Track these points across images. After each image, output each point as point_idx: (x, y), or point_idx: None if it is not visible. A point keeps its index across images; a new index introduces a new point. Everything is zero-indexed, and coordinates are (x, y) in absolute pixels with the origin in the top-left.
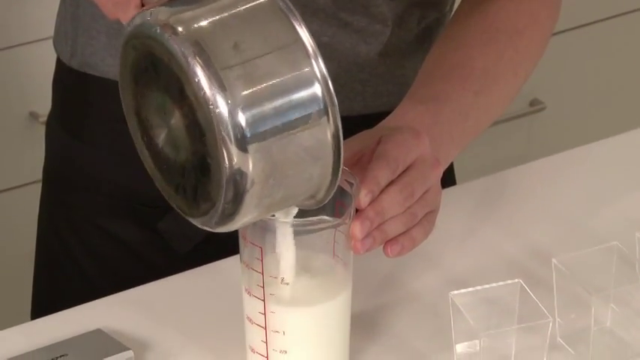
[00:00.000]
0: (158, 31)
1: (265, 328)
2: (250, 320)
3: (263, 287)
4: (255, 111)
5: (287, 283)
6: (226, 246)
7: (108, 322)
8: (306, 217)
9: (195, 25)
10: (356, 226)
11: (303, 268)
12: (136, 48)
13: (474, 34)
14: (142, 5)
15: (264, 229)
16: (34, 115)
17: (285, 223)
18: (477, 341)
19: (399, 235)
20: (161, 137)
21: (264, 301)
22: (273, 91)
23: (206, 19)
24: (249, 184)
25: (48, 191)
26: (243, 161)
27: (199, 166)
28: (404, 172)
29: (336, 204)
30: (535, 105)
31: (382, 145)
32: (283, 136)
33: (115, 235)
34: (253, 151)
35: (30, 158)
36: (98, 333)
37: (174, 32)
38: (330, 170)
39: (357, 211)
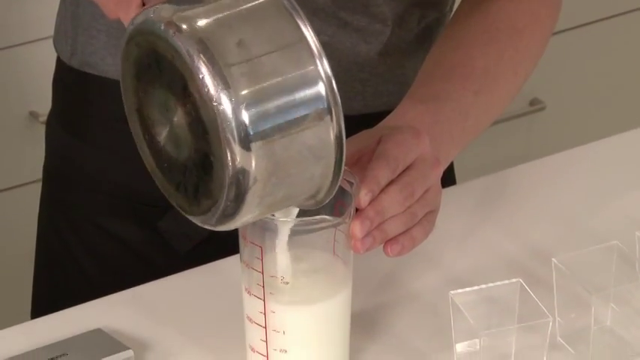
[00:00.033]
0: (162, 27)
1: (265, 328)
2: (250, 319)
3: (263, 286)
4: (259, 109)
5: (287, 283)
6: (226, 245)
7: (108, 321)
8: (306, 216)
9: (200, 23)
10: (356, 226)
11: (303, 267)
12: (139, 45)
13: (475, 34)
14: (143, 5)
15: (264, 228)
16: (34, 115)
17: (285, 222)
18: (477, 340)
19: (399, 234)
20: (163, 135)
21: (264, 300)
22: (277, 90)
23: (210, 16)
24: (252, 182)
25: (48, 190)
26: (246, 159)
27: (201, 164)
28: (404, 171)
29: (336, 203)
30: (535, 104)
31: (382, 145)
32: (286, 134)
33: (115, 234)
34: (256, 149)
35: (30, 157)
36: (98, 332)
37: (179, 29)
38: (331, 170)
39: (357, 210)
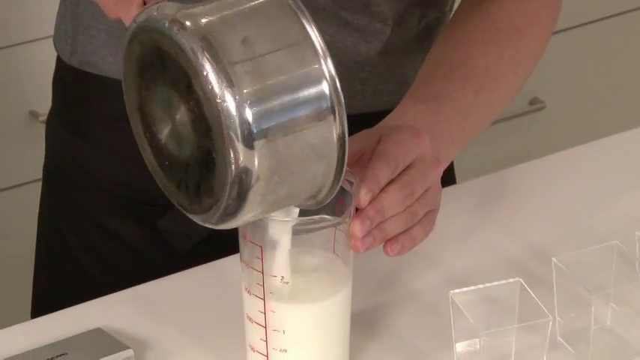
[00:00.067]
0: (167, 25)
1: (265, 327)
2: (250, 319)
3: (263, 286)
4: (263, 107)
5: (287, 282)
6: (226, 245)
7: (108, 320)
8: (306, 215)
9: (204, 20)
10: (356, 225)
11: (303, 266)
12: (142, 43)
13: (475, 34)
14: (144, 4)
15: (264, 227)
16: (34, 114)
17: (285, 222)
18: (477, 340)
19: (399, 234)
20: (165, 132)
21: (264, 299)
22: (281, 88)
23: (214, 14)
24: (254, 180)
25: (48, 190)
26: (249, 157)
27: (204, 162)
28: (404, 170)
29: (336, 203)
30: (535, 104)
31: (382, 144)
32: (289, 132)
33: (115, 233)
34: (259, 147)
35: (30, 157)
36: (98, 332)
37: (183, 27)
38: (333, 169)
39: (357, 209)
